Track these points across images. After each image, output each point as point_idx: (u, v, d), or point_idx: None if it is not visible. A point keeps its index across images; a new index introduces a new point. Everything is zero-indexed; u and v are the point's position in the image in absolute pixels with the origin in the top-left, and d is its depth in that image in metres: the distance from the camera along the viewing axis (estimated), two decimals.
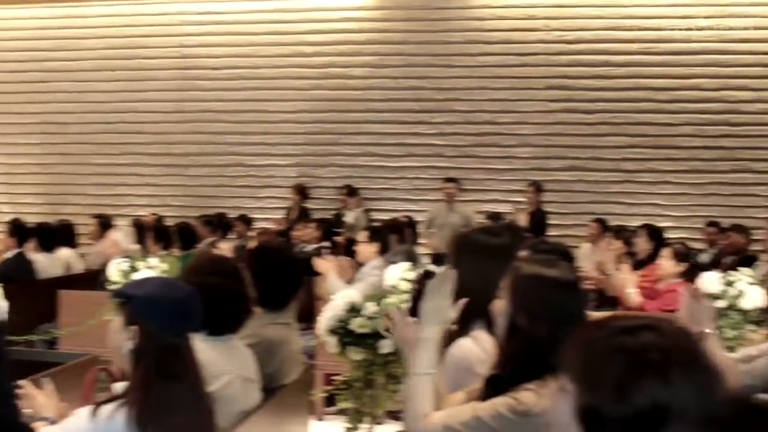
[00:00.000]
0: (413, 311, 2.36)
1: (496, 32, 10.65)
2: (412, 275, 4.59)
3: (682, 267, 5.73)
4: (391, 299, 4.34)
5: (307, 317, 5.73)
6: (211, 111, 11.47)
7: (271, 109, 11.28)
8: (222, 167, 11.45)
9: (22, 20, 12.08)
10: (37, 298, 6.66)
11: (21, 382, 2.58)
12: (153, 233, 7.45)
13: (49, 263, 7.63)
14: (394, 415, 5.00)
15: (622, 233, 7.50)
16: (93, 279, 6.99)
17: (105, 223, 8.92)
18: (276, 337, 3.52)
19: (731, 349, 3.99)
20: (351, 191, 10.60)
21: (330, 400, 5.47)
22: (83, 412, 2.29)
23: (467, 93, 10.69)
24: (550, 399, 1.67)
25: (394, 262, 5.46)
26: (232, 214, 10.19)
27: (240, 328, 3.12)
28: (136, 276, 5.30)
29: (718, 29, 10.11)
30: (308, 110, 11.20)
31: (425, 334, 2.26)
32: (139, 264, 5.73)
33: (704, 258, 8.13)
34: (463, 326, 2.54)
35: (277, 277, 3.64)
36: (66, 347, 6.02)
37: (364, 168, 10.99)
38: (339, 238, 9.23)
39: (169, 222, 8.72)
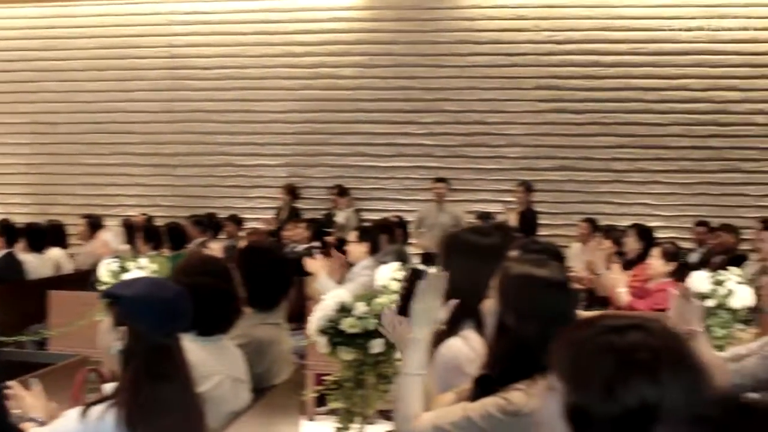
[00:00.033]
0: (402, 310, 2.36)
1: (486, 32, 10.66)
2: (402, 275, 4.59)
3: (671, 266, 5.75)
4: (382, 299, 4.35)
5: (298, 317, 5.72)
6: (201, 111, 11.45)
7: (260, 109, 11.27)
8: (212, 167, 11.43)
9: (11, 20, 12.04)
10: (27, 299, 6.64)
11: (9, 383, 2.57)
12: (143, 233, 7.43)
13: (38, 263, 7.60)
14: (385, 415, 5.01)
15: (612, 233, 7.52)
16: (83, 279, 6.97)
17: (95, 224, 8.88)
18: (266, 337, 3.52)
19: (720, 348, 4.00)
20: (342, 191, 10.59)
21: (321, 400, 5.47)
22: (73, 414, 2.28)
23: (457, 93, 10.70)
24: (539, 398, 1.67)
25: (384, 262, 5.47)
26: (223, 214, 10.17)
27: (230, 328, 3.12)
28: (126, 276, 5.30)
29: (706, 30, 10.15)
30: (298, 110, 11.19)
31: (415, 335, 2.26)
32: (129, 264, 5.73)
33: (694, 257, 8.16)
34: (452, 326, 2.55)
35: (267, 277, 3.63)
36: (56, 348, 6.00)
37: (354, 168, 10.99)
38: (330, 238, 9.22)
39: (159, 222, 8.70)
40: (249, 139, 11.26)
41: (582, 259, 7.61)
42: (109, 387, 2.41)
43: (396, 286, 4.53)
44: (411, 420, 2.17)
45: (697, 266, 6.32)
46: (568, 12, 10.47)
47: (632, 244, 6.56)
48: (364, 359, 4.25)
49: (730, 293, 5.08)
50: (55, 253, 7.94)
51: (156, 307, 2.32)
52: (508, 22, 10.60)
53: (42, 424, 2.46)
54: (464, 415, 2.11)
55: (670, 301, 2.87)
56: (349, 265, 6.54)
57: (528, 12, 10.55)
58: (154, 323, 2.30)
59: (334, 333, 4.27)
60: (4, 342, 5.77)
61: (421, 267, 2.53)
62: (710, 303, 4.98)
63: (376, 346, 4.19)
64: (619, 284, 5.78)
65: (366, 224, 8.74)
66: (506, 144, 10.59)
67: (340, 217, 10.28)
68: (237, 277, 3.28)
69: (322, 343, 4.31)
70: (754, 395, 2.74)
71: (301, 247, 8.47)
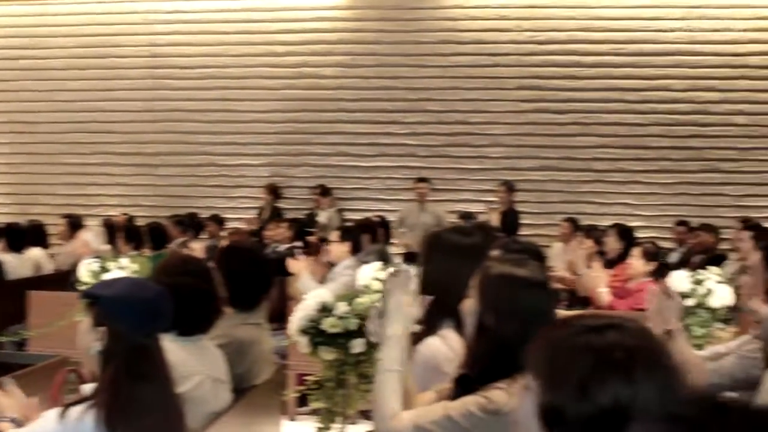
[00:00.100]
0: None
1: (468, 32, 10.68)
2: (384, 275, 4.59)
3: (651, 266, 5.77)
4: (363, 299, 4.34)
5: (280, 317, 5.71)
6: (182, 110, 11.41)
7: (242, 109, 11.24)
8: (193, 167, 11.39)
9: None
10: (6, 299, 6.59)
11: None
12: (124, 233, 7.40)
13: (18, 264, 7.55)
14: (366, 415, 5.01)
15: (593, 232, 7.55)
16: (63, 280, 6.93)
17: (75, 224, 8.83)
18: (247, 337, 3.51)
19: (699, 347, 4.02)
20: (324, 191, 10.59)
21: (302, 400, 5.47)
22: (51, 414, 2.27)
23: (439, 93, 10.72)
24: (516, 398, 1.68)
25: (366, 262, 5.46)
26: (204, 214, 10.14)
27: (210, 328, 3.11)
28: (106, 276, 5.27)
29: (686, 31, 10.22)
30: (280, 110, 11.18)
31: (389, 332, 2.26)
32: (110, 264, 5.70)
33: (674, 257, 8.20)
34: (432, 325, 2.55)
35: (248, 277, 3.62)
36: (35, 349, 5.96)
37: (337, 168, 10.99)
38: (312, 238, 9.21)
39: (140, 222, 8.67)
40: (231, 139, 11.23)
41: (564, 259, 7.64)
42: (88, 387, 2.40)
43: (378, 285, 4.53)
44: (389, 416, 2.17)
45: (677, 266, 6.35)
46: (550, 12, 10.51)
47: (613, 244, 6.59)
48: (345, 359, 4.24)
49: (709, 292, 5.11)
50: (35, 253, 7.90)
51: (136, 308, 2.31)
52: (490, 23, 10.63)
53: (18, 424, 2.45)
54: (445, 413, 2.11)
55: (648, 299, 2.88)
56: (331, 264, 6.54)
57: (510, 12, 10.58)
58: (134, 323, 2.29)
59: (315, 333, 4.26)
60: None
61: (404, 267, 2.54)
62: (690, 302, 5.00)
63: (357, 345, 4.19)
64: (600, 284, 5.80)
65: (348, 224, 8.73)
66: (488, 144, 10.62)
67: (323, 216, 10.27)
68: (218, 276, 3.27)
69: (303, 343, 4.30)
70: (731, 394, 2.76)
71: (282, 247, 8.46)
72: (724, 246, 8.66)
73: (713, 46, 10.13)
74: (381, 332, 2.31)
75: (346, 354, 4.25)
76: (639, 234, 8.02)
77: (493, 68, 10.58)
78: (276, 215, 10.22)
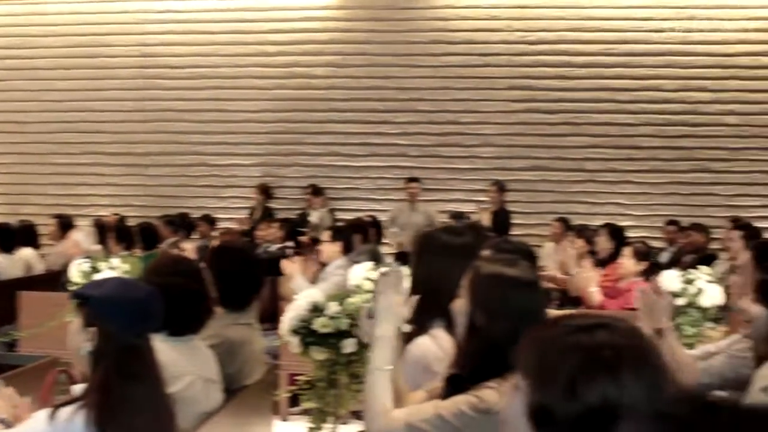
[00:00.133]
0: None
1: (459, 32, 10.69)
2: (376, 275, 4.60)
3: (642, 266, 5.79)
4: (355, 299, 4.35)
5: (271, 317, 5.71)
6: (173, 110, 11.38)
7: (233, 109, 11.23)
8: (184, 167, 11.37)
9: None
10: None
11: None
12: (115, 233, 7.38)
13: (8, 264, 7.52)
14: (358, 415, 5.01)
15: (584, 232, 7.56)
16: (54, 280, 6.91)
17: (66, 224, 8.80)
18: (238, 337, 3.51)
19: (690, 346, 4.04)
20: (316, 191, 10.58)
21: (294, 400, 5.46)
22: (41, 415, 2.26)
23: (430, 93, 10.72)
24: (506, 397, 1.68)
25: (357, 262, 5.47)
26: (195, 214, 10.12)
27: (201, 328, 3.11)
28: (97, 277, 5.26)
29: (677, 31, 10.25)
30: (271, 110, 11.16)
31: (379, 332, 2.27)
32: (101, 264, 5.70)
33: (664, 257, 8.22)
34: (422, 324, 2.55)
35: (239, 277, 3.62)
36: (26, 349, 5.95)
37: (328, 167, 10.98)
38: (303, 238, 9.21)
39: (131, 222, 8.64)
40: (222, 139, 11.22)
41: (555, 259, 7.65)
42: (78, 388, 2.39)
43: (369, 285, 4.54)
44: (380, 415, 2.18)
45: (667, 265, 6.37)
46: (540, 12, 10.52)
47: (604, 244, 6.60)
48: (337, 359, 4.25)
49: (700, 292, 5.13)
50: (25, 253, 7.87)
51: (126, 308, 2.31)
52: (481, 23, 10.64)
53: (9, 425, 2.44)
54: (436, 412, 2.11)
55: (637, 298, 2.89)
56: (322, 264, 6.53)
57: (501, 12, 10.59)
58: (125, 324, 2.29)
59: (306, 333, 4.26)
60: None
61: (396, 267, 2.55)
62: (680, 301, 5.03)
63: (349, 345, 4.19)
64: (591, 284, 5.81)
65: (339, 224, 8.73)
66: (479, 144, 10.63)
67: (314, 216, 10.27)
68: (209, 277, 3.27)
69: (294, 343, 4.31)
70: (721, 393, 2.77)
71: (274, 247, 8.46)
72: (714, 246, 8.69)
73: (704, 47, 10.16)
74: (372, 332, 2.32)
75: (337, 354, 4.25)
76: (630, 234, 8.03)
77: (483, 68, 10.59)
78: (267, 215, 10.21)
